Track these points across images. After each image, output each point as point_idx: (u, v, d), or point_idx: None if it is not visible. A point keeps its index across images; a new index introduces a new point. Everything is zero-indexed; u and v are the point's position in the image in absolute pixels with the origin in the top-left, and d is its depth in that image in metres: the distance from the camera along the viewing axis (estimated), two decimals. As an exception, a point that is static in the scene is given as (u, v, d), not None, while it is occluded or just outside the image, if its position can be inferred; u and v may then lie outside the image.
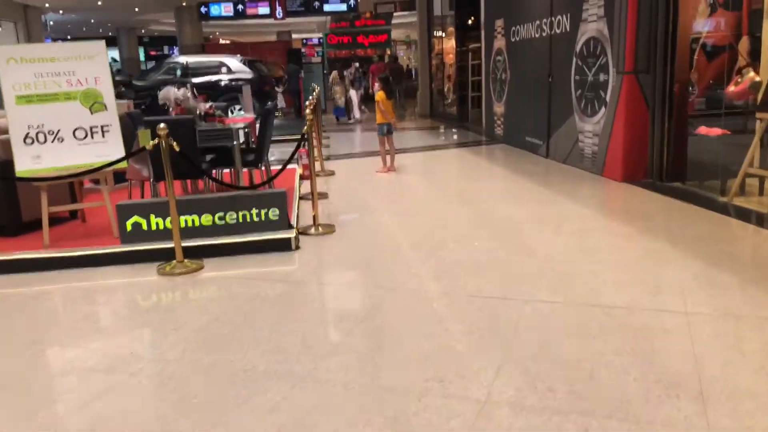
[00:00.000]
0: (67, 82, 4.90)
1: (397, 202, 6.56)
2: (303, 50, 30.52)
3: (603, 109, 7.12)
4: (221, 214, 4.80)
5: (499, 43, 10.63)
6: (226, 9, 19.33)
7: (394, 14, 24.77)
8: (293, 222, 5.16)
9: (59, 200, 5.30)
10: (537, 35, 8.90)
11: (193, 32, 21.47)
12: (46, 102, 4.83)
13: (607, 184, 6.85)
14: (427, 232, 5.18)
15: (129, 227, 4.72)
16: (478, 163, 9.05)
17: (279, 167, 5.25)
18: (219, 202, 4.81)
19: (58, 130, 4.86)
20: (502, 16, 10.46)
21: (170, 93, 5.60)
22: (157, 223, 4.73)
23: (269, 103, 13.36)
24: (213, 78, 13.33)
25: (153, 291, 4.10)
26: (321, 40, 30.10)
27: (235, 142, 5.42)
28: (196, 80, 13.31)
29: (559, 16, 8.12)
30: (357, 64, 18.28)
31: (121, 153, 4.99)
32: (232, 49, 22.54)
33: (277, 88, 16.29)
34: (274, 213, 4.86)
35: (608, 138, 7.03)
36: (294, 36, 33.68)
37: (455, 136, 12.39)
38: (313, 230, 5.26)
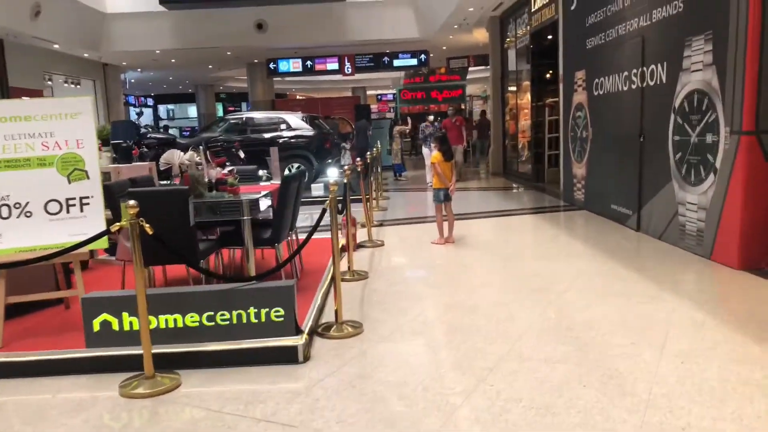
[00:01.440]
0: (42, 145, 4.08)
1: (448, 291, 5.33)
2: (376, 106, 30.20)
3: (712, 177, 5.70)
4: (210, 312, 3.74)
5: (580, 97, 9.36)
6: (295, 65, 19.05)
7: (469, 69, 23.93)
8: (308, 321, 4.04)
9: (38, 283, 4.42)
10: (625, 88, 7.60)
11: (264, 88, 21.36)
12: (15, 168, 4.01)
13: (719, 272, 5.37)
14: (480, 342, 3.92)
15: (96, 326, 3.74)
16: (555, 235, 7.70)
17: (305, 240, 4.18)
18: (207, 297, 3.77)
19: (27, 203, 4.01)
20: (583, 67, 9.22)
21: (174, 157, 4.71)
22: (131, 323, 3.73)
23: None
24: (271, 135, 12.68)
25: (108, 416, 3.06)
26: (395, 96, 29.71)
27: (245, 217, 4.41)
28: (254, 136, 12.75)
29: (652, 66, 6.81)
30: (431, 118, 15.96)
31: (101, 230, 4.07)
32: (302, 106, 22.29)
33: (344, 145, 15.58)
34: (277, 313, 3.76)
35: (719, 213, 5.58)
36: (369, 92, 33.56)
37: (529, 200, 11.07)
38: (334, 330, 4.12)
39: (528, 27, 12.74)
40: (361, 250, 6.99)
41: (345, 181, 5.68)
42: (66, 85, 18.57)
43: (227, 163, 5.48)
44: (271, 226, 4.82)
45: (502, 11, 14.47)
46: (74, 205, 4.07)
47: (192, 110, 32.83)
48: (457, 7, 13.28)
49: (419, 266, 6.20)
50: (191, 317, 3.73)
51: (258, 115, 13.57)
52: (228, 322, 3.75)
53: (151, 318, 3.71)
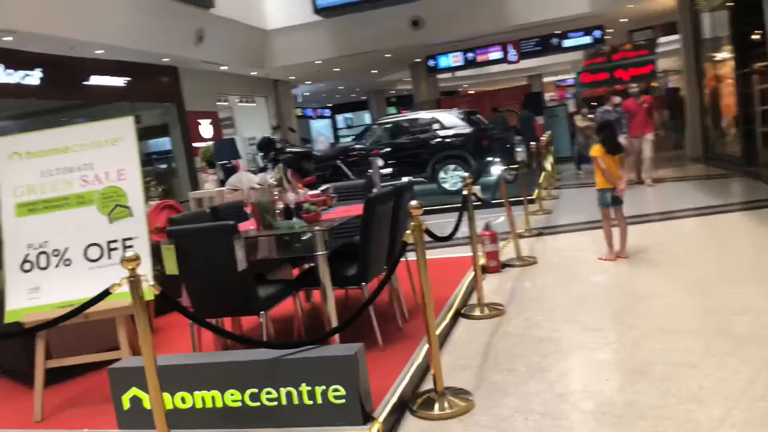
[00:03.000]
0: (81, 179, 3.48)
1: (610, 338, 3.88)
2: (553, 93, 27.96)
3: None
4: (254, 390, 2.82)
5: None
6: (455, 59, 17.90)
7: (658, 41, 20.95)
8: (392, 396, 2.96)
9: (98, 339, 3.84)
10: None
11: (428, 87, 20.55)
12: (53, 209, 3.46)
13: None
14: (640, 442, 2.53)
15: (126, 403, 3.01)
16: (774, 242, 5.72)
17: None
18: (250, 369, 2.85)
19: (66, 249, 3.43)
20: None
21: (242, 180, 3.90)
22: (166, 400, 2.94)
23: (448, 170, 11.22)
24: (424, 136, 11.72)
25: None
26: (575, 80, 27.24)
27: (319, 252, 3.44)
28: (405, 140, 11.90)
29: None
30: (617, 99, 12.18)
31: (148, 278, 3.35)
32: (467, 102, 21.13)
33: (516, 137, 14.14)
34: (336, 393, 2.72)
35: None
36: (545, 79, 31.39)
37: (738, 191, 8.80)
38: (436, 405, 3.00)
39: (726, -23, 10.32)
40: (505, 271, 5.71)
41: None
42: (240, 104, 19.42)
43: (321, 180, 4.58)
44: (355, 261, 3.78)
45: (690, -36, 12.04)
46: (116, 249, 3.41)
47: (368, 117, 33.23)
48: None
49: (574, 296, 4.77)
50: (231, 395, 2.84)
51: (409, 117, 12.70)
52: (275, 403, 2.79)
53: (185, 395, 2.89)
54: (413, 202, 3.12)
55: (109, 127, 3.53)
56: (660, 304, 4.31)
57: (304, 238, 3.53)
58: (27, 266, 3.38)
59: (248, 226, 3.85)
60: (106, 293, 2.63)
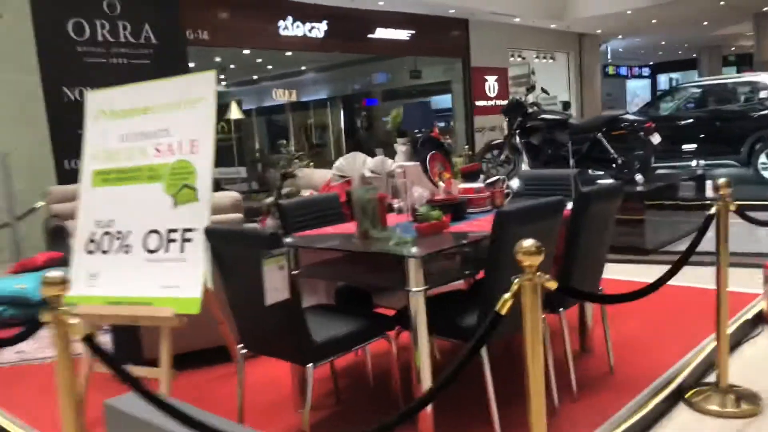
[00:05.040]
0: (155, 148, 2.80)
1: None
2: None
3: None
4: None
5: None
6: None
7: None
8: None
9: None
10: None
11: (777, 43, 16.25)
12: (125, 182, 2.86)
13: None
14: None
15: (121, 452, 2.28)
16: None
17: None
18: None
19: (128, 233, 2.81)
20: None
21: (355, 163, 2.80)
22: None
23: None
24: (738, 108, 9.02)
25: None
26: None
27: (413, 288, 2.20)
28: (707, 111, 9.33)
29: None
30: None
31: (196, 285, 2.57)
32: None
33: None
34: None
35: None
36: None
37: None
38: None
39: None
40: None
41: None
42: (538, 60, 17.92)
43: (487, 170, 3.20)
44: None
45: None
46: (175, 240, 2.67)
47: (695, 78, 28.46)
48: None
49: None
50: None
51: (719, 82, 9.94)
52: None
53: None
54: (721, 179, 2.49)
55: (189, 84, 2.77)
56: None
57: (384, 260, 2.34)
58: (92, 247, 2.87)
59: (341, 230, 2.81)
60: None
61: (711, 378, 2.98)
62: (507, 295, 1.64)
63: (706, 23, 18.45)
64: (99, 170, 2.94)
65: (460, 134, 14.92)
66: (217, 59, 14.40)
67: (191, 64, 12.95)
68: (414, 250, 2.27)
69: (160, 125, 2.80)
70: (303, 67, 17.04)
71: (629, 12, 15.35)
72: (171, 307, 2.56)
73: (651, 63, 29.55)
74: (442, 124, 17.21)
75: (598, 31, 18.50)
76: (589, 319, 3.20)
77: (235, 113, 8.93)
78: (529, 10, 14.60)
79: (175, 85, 2.82)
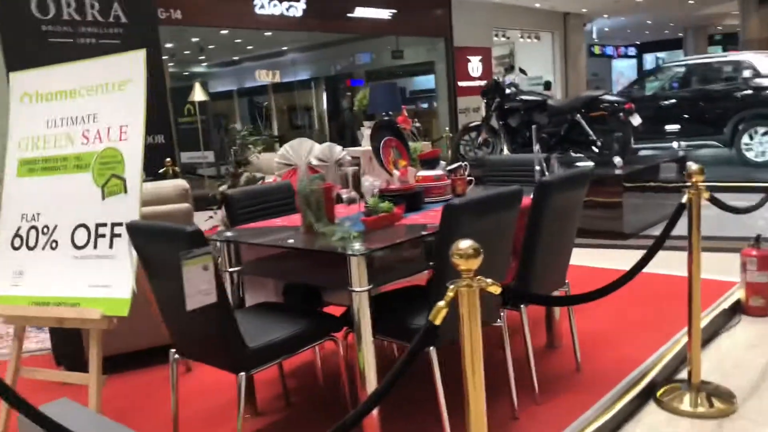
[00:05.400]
0: (83, 135, 2.57)
1: None
2: None
3: None
4: None
5: None
6: (805, -18, 13.35)
7: None
8: None
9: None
10: None
11: (761, 23, 16.04)
12: (51, 172, 2.63)
13: None
14: None
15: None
16: None
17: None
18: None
19: (55, 227, 2.59)
20: None
21: (301, 149, 2.57)
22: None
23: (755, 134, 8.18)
24: (722, 88, 8.88)
25: None
26: None
27: (356, 288, 2.00)
28: (691, 92, 9.21)
29: None
30: None
31: (126, 285, 2.36)
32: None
33: None
34: None
35: None
36: None
37: None
38: None
39: None
40: (748, 322, 3.47)
41: None
42: (522, 39, 17.63)
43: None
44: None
45: None
46: (104, 235, 2.46)
47: (679, 56, 28.27)
48: None
49: None
50: None
51: (704, 61, 9.78)
52: None
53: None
54: (693, 165, 2.40)
55: (119, 65, 2.53)
56: None
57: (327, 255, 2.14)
58: (17, 242, 2.65)
59: (290, 222, 2.60)
60: None
61: (684, 374, 2.82)
62: (441, 303, 1.45)
63: (692, 1, 18.23)
64: (25, 159, 2.69)
65: (444, 115, 14.67)
66: (194, 39, 14.03)
67: (168, 45, 12.60)
68: (356, 246, 2.06)
69: (88, 109, 2.56)
70: (285, 48, 16.67)
71: (614, -10, 15.12)
72: (99, 309, 2.35)
73: (637, 42, 29.31)
74: (425, 106, 16.92)
75: (584, 10, 18.23)
76: (556, 313, 3.03)
77: (199, 95, 8.61)
78: (513, -13, 14.33)
79: (104, 66, 2.57)
